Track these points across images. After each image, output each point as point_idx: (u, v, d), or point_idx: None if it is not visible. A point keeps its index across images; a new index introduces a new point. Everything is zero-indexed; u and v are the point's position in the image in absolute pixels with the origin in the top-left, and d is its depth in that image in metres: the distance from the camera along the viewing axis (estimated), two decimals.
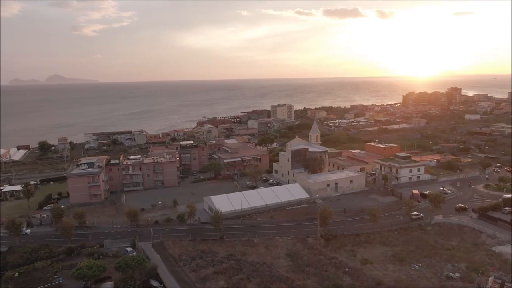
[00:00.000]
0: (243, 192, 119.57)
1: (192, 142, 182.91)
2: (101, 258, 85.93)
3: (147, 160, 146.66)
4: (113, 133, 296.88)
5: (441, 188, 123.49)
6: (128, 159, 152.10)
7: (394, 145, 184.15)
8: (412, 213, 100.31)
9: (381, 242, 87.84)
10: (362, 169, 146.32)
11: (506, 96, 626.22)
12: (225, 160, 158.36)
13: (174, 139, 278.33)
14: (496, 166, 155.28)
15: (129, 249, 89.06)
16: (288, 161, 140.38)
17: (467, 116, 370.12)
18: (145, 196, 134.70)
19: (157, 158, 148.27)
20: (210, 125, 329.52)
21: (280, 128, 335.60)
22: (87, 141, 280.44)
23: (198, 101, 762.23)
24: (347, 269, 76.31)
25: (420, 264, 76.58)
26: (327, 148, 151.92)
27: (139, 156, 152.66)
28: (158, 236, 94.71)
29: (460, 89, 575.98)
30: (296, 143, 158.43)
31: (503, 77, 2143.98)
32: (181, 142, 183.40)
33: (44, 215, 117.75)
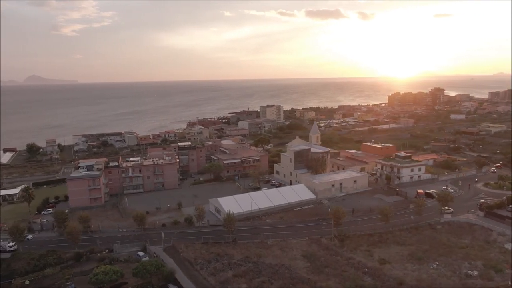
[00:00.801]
0: (249, 193, 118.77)
1: (190, 143, 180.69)
2: (112, 263, 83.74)
3: (147, 162, 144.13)
4: (103, 135, 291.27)
5: (444, 187, 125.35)
6: (127, 161, 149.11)
7: (390, 145, 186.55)
8: (443, 207, 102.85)
9: (395, 242, 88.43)
10: (362, 169, 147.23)
11: (486, 96, 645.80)
12: (225, 161, 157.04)
13: (165, 140, 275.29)
14: (495, 166, 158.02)
15: (141, 253, 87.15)
16: (291, 161, 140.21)
17: (452, 116, 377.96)
18: (146, 199, 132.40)
19: (157, 160, 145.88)
20: (201, 126, 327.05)
21: (271, 128, 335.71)
22: (76, 143, 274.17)
23: (184, 101, 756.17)
24: (366, 269, 76.47)
25: (437, 263, 77.34)
26: (328, 149, 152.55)
27: (138, 158, 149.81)
28: (169, 239, 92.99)
29: (443, 90, 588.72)
30: (297, 144, 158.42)
31: (479, 78, 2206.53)
32: (179, 144, 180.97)
33: (45, 220, 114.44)
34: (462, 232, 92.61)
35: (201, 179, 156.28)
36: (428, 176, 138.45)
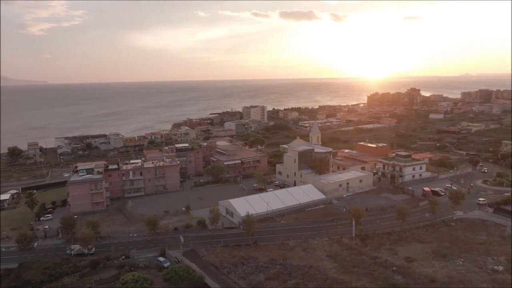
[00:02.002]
0: (260, 194, 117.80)
1: (187, 144, 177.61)
2: (133, 269, 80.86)
3: (148, 165, 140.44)
4: (86, 137, 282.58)
5: (448, 185, 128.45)
6: (126, 163, 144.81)
7: (384, 144, 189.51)
8: (479, 199, 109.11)
9: (415, 240, 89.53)
10: (362, 169, 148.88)
11: (458, 96, 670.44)
12: (225, 163, 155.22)
13: (152, 142, 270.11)
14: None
15: (161, 259, 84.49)
16: (295, 162, 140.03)
17: (431, 116, 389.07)
18: (149, 202, 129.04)
19: (157, 162, 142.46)
20: (187, 127, 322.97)
21: (257, 129, 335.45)
22: (58, 146, 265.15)
23: (164, 102, 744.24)
24: (394, 268, 77.00)
25: (462, 260, 78.82)
26: (330, 149, 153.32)
27: (139, 160, 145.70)
28: (187, 243, 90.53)
29: (419, 90, 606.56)
30: (298, 144, 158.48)
31: (446, 78, 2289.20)
32: (176, 145, 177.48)
33: (47, 226, 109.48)
34: (476, 228, 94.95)
35: (201, 180, 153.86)
36: (428, 174, 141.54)
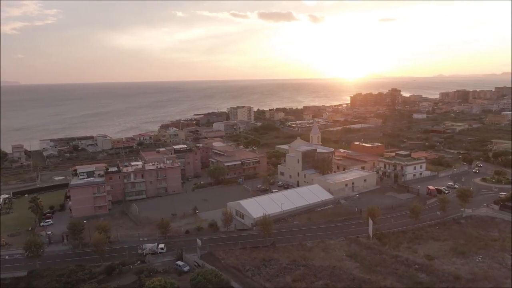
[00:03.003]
0: (269, 195, 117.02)
1: (185, 146, 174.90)
2: (151, 274, 78.71)
3: (149, 166, 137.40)
4: (73, 139, 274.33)
5: (449, 183, 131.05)
6: (126, 165, 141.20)
7: (380, 144, 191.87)
8: (501, 193, 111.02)
9: (430, 238, 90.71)
10: (362, 168, 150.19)
11: (436, 96, 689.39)
12: (226, 164, 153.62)
13: (141, 144, 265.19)
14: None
15: (180, 263, 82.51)
16: (298, 162, 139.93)
17: (415, 116, 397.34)
18: (152, 205, 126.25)
19: (158, 164, 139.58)
20: (175, 128, 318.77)
21: (245, 129, 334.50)
22: (44, 148, 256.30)
23: (146, 103, 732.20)
24: (416, 266, 77.78)
25: (481, 256, 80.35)
26: (332, 149, 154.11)
27: (139, 162, 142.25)
28: (203, 247, 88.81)
29: (400, 90, 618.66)
30: (299, 144, 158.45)
31: (421, 79, 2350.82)
32: (174, 146, 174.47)
33: (50, 232, 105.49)
34: (486, 225, 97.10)
35: (201, 182, 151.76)
36: (428, 173, 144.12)
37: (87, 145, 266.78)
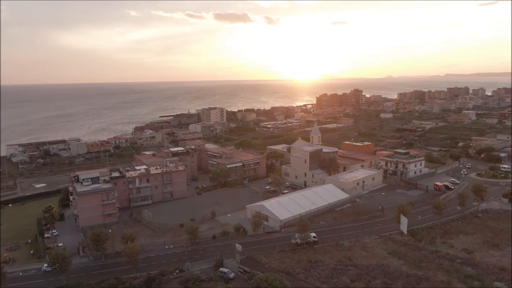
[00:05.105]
0: (289, 196, 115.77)
1: (182, 148, 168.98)
2: (197, 284, 75.10)
3: (154, 171, 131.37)
4: (43, 143, 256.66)
5: (452, 179, 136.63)
6: (128, 170, 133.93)
7: (369, 143, 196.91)
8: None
9: (458, 232, 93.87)
10: (362, 167, 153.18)
11: (395, 96, 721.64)
12: (228, 166, 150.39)
13: (117, 147, 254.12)
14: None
15: (224, 269, 79.11)
16: (306, 162, 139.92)
17: (382, 115, 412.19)
18: (162, 211, 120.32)
19: (162, 168, 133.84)
20: (150, 130, 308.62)
21: (222, 131, 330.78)
22: (11, 154, 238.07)
23: (107, 104, 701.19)
24: (459, 260, 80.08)
25: None
26: (336, 149, 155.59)
27: (143, 166, 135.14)
28: (242, 252, 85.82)
29: (362, 91, 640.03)
30: (300, 144, 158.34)
31: (371, 80, 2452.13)
32: (171, 149, 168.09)
33: (61, 244, 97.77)
34: (503, 218, 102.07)
35: (204, 185, 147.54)
36: (427, 170, 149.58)
37: (60, 150, 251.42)
